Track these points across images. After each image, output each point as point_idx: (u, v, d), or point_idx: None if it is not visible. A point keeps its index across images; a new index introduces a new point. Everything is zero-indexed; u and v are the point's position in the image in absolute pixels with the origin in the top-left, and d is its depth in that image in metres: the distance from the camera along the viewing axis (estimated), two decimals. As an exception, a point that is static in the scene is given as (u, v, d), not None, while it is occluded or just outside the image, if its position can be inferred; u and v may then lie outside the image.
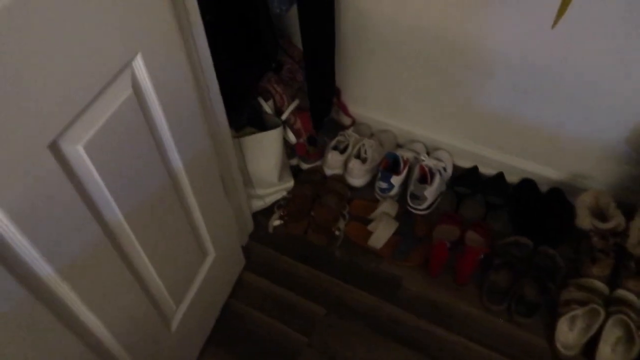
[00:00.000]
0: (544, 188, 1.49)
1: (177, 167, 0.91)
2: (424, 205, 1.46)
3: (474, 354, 1.23)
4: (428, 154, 1.58)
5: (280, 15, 1.21)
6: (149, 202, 0.84)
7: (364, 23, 1.39)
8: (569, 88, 1.25)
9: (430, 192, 1.45)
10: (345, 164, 1.55)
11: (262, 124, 1.38)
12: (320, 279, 1.37)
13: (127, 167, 0.75)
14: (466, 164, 1.59)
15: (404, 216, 1.46)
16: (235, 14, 1.13)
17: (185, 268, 1.05)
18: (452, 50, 1.32)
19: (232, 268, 1.33)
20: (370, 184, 1.55)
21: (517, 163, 1.50)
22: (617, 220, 1.23)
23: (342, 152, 1.57)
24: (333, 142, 1.59)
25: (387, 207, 1.46)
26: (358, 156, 1.54)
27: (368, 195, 1.54)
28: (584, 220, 1.26)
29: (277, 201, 1.51)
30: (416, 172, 1.48)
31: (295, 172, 1.58)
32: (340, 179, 1.56)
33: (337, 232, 1.44)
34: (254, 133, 1.34)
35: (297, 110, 1.47)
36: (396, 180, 1.47)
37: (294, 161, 1.60)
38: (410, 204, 1.48)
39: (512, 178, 1.53)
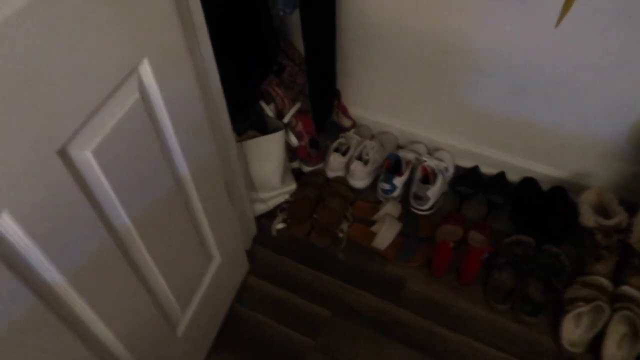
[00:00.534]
0: (545, 186, 1.49)
1: (183, 172, 0.90)
2: (427, 206, 1.46)
3: (480, 354, 1.23)
4: (429, 154, 1.58)
5: (284, 18, 1.21)
6: (155, 207, 0.83)
7: (364, 24, 1.40)
8: (569, 86, 1.26)
9: (433, 193, 1.45)
10: (347, 166, 1.55)
11: (264, 127, 1.38)
12: (324, 282, 1.37)
13: (134, 172, 0.75)
14: (467, 163, 1.59)
15: (407, 217, 1.46)
16: (238, 17, 1.13)
17: (191, 272, 1.05)
18: (452, 50, 1.33)
19: (237, 272, 1.33)
20: (373, 186, 1.56)
21: (518, 162, 1.51)
22: (620, 217, 1.23)
23: (344, 154, 1.57)
24: (334, 144, 1.59)
25: (390, 208, 1.46)
26: (360, 158, 1.54)
27: (370, 197, 1.54)
28: (588, 218, 1.26)
29: (280, 204, 1.51)
30: (418, 173, 1.48)
31: (297, 175, 1.58)
32: (342, 181, 1.56)
33: (340, 234, 1.44)
34: (256, 136, 1.34)
35: (299, 113, 1.48)
36: (399, 181, 1.47)
37: (296, 164, 1.60)
38: (413, 204, 1.48)
39: (513, 177, 1.53)
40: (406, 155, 1.52)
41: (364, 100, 1.64)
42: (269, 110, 1.39)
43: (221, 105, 1.06)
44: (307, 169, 1.60)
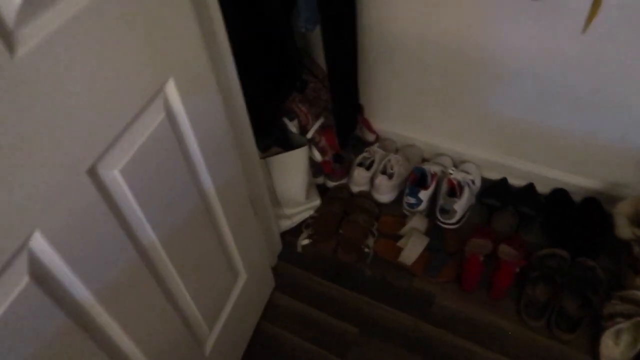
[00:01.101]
0: (577, 198, 1.45)
1: (209, 190, 0.91)
2: (454, 219, 1.44)
3: (515, 372, 1.19)
4: (455, 167, 1.56)
5: (306, 34, 1.22)
6: (182, 225, 0.84)
7: (384, 38, 1.40)
8: (601, 94, 1.22)
9: (460, 206, 1.42)
10: (372, 181, 1.54)
11: (287, 144, 1.39)
12: (351, 298, 1.35)
13: (161, 191, 0.76)
14: (495, 175, 1.56)
15: (433, 231, 1.44)
16: (261, 36, 1.15)
17: (218, 290, 1.05)
18: (475, 61, 1.31)
19: (263, 289, 1.33)
20: (398, 200, 1.54)
21: (547, 173, 1.47)
22: (658, 228, 1.19)
23: (368, 168, 1.56)
24: (359, 159, 1.58)
25: (417, 223, 1.44)
26: (384, 172, 1.53)
27: (396, 211, 1.52)
28: (624, 230, 1.22)
29: (305, 220, 1.50)
30: (444, 186, 1.46)
31: (322, 190, 1.57)
32: (367, 196, 1.54)
33: (366, 250, 1.42)
34: (280, 153, 1.34)
35: (322, 129, 1.48)
36: (424, 194, 1.45)
37: (320, 179, 1.60)
38: (440, 218, 1.45)
39: (542, 189, 1.49)
40: (431, 168, 1.50)
41: (387, 113, 1.63)
42: (293, 127, 1.40)
43: (245, 123, 1.07)
44: (331, 184, 1.59)
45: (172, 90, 0.74)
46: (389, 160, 1.54)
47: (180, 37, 0.74)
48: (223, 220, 0.98)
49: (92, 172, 0.62)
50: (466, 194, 1.43)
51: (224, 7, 0.87)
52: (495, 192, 1.51)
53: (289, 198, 1.43)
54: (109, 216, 0.66)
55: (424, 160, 1.64)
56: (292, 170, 1.38)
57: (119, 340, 0.76)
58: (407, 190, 1.48)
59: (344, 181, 1.59)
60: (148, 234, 0.76)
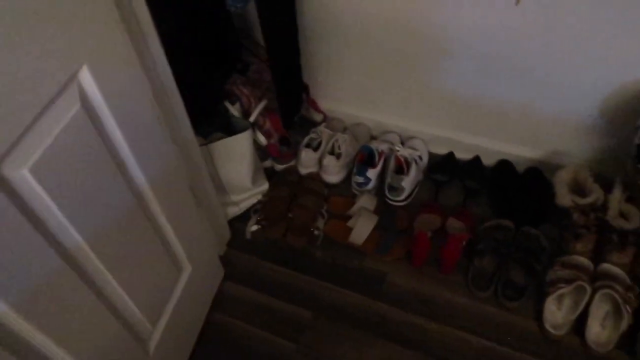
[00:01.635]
0: (521, 168, 1.48)
1: (141, 183, 0.86)
2: (403, 196, 1.44)
3: (465, 343, 1.21)
4: (402, 143, 1.55)
5: (237, 13, 1.16)
6: (112, 222, 0.79)
7: (325, 14, 1.36)
8: (537, 65, 1.24)
9: (408, 182, 1.42)
10: (320, 162, 1.51)
11: (230, 128, 1.33)
12: (304, 282, 1.34)
13: (82, 188, 0.70)
14: (442, 150, 1.57)
15: (383, 209, 1.43)
16: (193, 19, 1.08)
17: (159, 287, 1.00)
18: (417, 36, 1.30)
19: (211, 280, 1.29)
20: (347, 180, 1.52)
21: (492, 145, 1.49)
22: (596, 194, 1.22)
23: (316, 149, 1.53)
24: (305, 140, 1.55)
25: (366, 202, 1.43)
26: (332, 152, 1.50)
27: (346, 191, 1.51)
28: (564, 197, 1.25)
29: (253, 206, 1.46)
30: (392, 164, 1.45)
31: (270, 174, 1.53)
32: (316, 177, 1.52)
33: (316, 232, 1.40)
34: (222, 138, 1.29)
35: (266, 111, 1.43)
36: (372, 173, 1.44)
37: (268, 163, 1.56)
38: (389, 196, 1.45)
39: (488, 161, 1.52)
40: (379, 146, 1.49)
41: (333, 92, 1.60)
42: (234, 110, 1.34)
43: (179, 108, 1.02)
44: (279, 167, 1.56)
45: (87, 79, 0.68)
46: (337, 140, 1.52)
47: (94, 22, 0.68)
48: (160, 213, 0.93)
49: (-5, 174, 0.56)
50: (413, 170, 1.43)
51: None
52: (442, 166, 1.52)
53: (235, 184, 1.39)
54: (21, 220, 0.61)
55: (373, 138, 1.63)
56: (236, 156, 1.33)
57: (49, 353, 0.71)
58: (355, 170, 1.46)
59: (292, 163, 1.56)
60: (72, 235, 0.70)
